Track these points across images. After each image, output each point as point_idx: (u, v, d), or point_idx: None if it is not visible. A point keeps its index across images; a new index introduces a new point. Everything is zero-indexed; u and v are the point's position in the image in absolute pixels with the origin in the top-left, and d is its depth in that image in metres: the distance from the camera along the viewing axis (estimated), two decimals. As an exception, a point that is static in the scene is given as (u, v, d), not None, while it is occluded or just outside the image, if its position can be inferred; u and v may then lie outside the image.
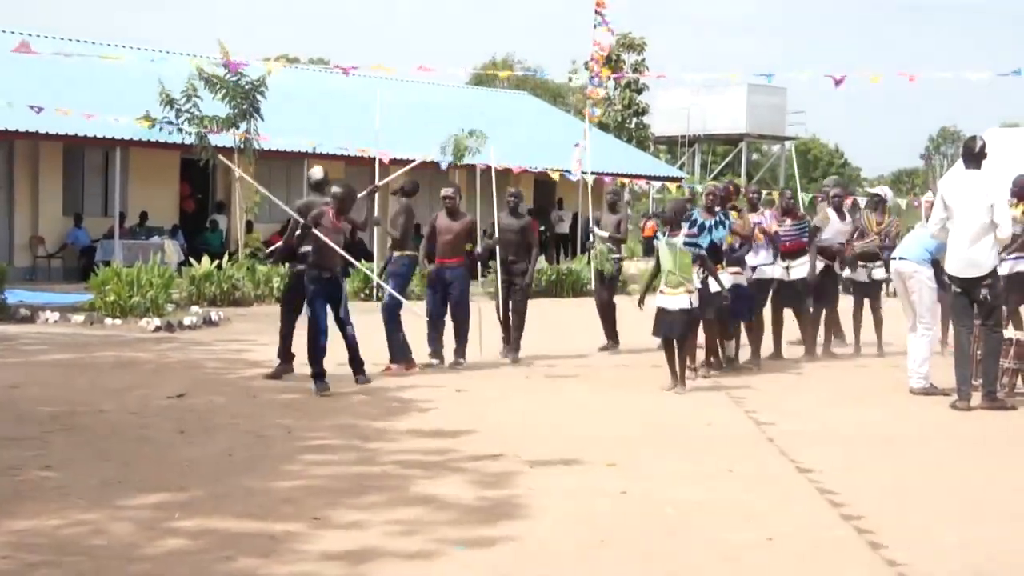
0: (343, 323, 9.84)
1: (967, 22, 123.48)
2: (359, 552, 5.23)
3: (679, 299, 10.00)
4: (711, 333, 11.35)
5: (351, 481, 6.58)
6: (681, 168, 41.67)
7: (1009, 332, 9.96)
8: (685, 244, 10.16)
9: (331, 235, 9.78)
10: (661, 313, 10.08)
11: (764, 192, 16.30)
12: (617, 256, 13.30)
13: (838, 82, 12.53)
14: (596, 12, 16.66)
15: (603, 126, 38.60)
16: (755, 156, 57.71)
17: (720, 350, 11.59)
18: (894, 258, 10.66)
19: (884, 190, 14.11)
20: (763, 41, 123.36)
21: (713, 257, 10.69)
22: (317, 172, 11.30)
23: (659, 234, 10.56)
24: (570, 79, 45.37)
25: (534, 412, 9.14)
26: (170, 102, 19.07)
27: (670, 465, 7.20)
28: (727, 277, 11.01)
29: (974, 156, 9.49)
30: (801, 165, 68.81)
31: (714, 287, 10.43)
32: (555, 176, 22.98)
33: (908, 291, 10.38)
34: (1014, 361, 10.01)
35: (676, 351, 10.07)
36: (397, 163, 23.21)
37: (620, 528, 5.73)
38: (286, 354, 10.58)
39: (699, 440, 8.03)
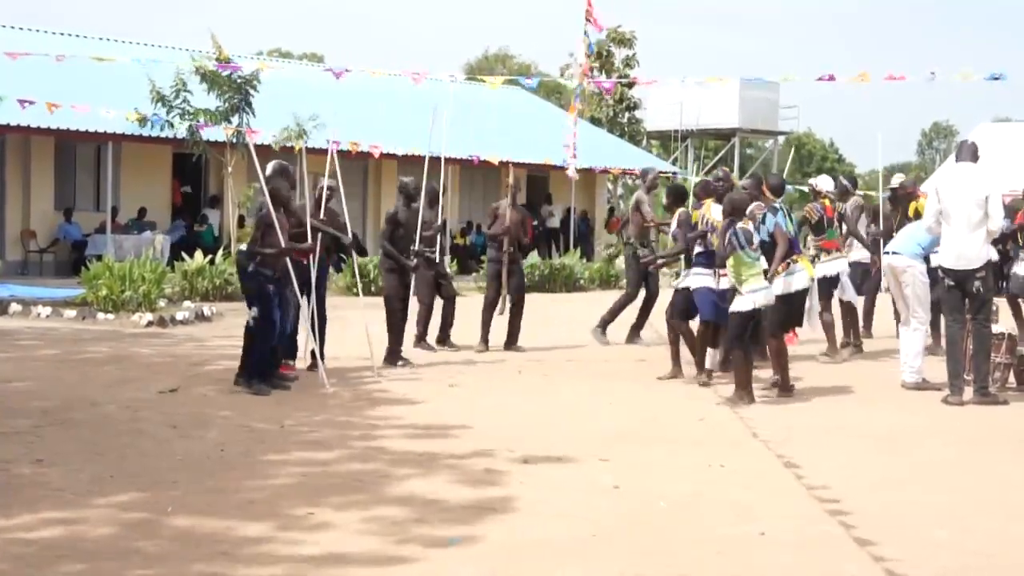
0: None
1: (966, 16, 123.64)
2: (355, 548, 5.24)
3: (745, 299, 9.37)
4: (702, 338, 10.50)
5: (344, 477, 6.58)
6: (674, 163, 41.65)
7: (1001, 327, 9.98)
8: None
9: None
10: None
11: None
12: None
13: (828, 78, 12.57)
14: (586, 20, 16.57)
15: (595, 121, 38.64)
16: (748, 151, 57.73)
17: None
18: (887, 253, 10.67)
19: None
20: (757, 35, 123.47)
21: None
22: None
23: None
24: (562, 73, 45.44)
25: (527, 407, 9.14)
26: (161, 99, 19.03)
27: (662, 460, 7.22)
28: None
29: (968, 150, 9.52)
30: (794, 160, 68.87)
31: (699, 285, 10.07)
32: (545, 162, 23.02)
33: (901, 286, 10.40)
34: (1006, 356, 10.04)
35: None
36: (388, 157, 23.34)
37: (613, 523, 5.74)
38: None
39: (691, 436, 8.04)
